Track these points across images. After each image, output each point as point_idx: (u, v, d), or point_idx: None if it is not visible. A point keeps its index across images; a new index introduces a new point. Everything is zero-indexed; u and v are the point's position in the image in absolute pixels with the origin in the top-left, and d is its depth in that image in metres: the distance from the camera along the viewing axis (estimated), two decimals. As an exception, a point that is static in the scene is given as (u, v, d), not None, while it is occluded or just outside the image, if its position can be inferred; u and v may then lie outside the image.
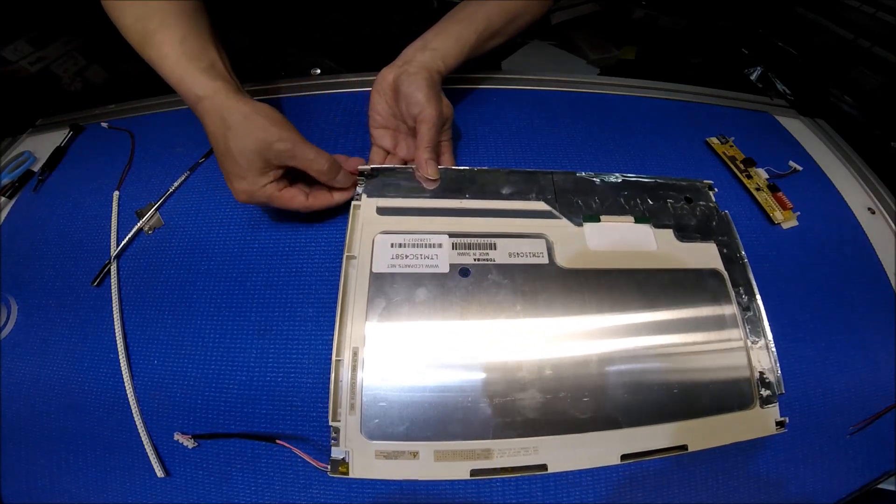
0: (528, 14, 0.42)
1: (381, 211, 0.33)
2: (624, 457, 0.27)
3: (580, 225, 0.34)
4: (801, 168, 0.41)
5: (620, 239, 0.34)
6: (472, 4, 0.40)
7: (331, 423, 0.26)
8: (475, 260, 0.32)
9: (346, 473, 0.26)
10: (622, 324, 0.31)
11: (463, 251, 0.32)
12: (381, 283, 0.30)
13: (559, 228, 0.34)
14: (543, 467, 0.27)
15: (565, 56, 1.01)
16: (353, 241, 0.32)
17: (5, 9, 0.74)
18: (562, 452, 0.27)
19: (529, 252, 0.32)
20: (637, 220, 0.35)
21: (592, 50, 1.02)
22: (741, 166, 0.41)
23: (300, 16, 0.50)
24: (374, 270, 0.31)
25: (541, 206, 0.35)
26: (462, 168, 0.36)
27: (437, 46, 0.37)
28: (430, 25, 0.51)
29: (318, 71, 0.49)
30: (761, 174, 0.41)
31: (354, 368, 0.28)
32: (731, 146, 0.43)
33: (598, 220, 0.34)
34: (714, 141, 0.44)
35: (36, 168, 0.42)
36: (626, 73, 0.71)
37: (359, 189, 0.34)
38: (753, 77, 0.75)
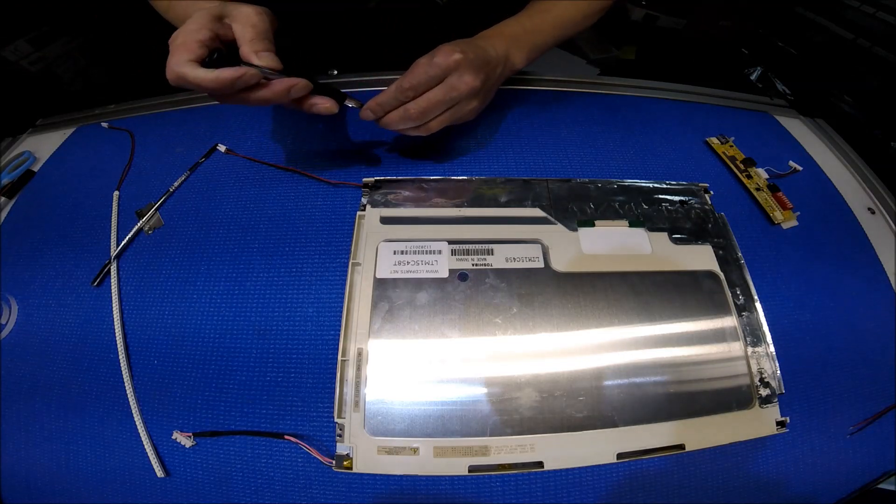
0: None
1: (385, 220, 0.35)
2: (620, 455, 0.28)
3: (575, 230, 0.35)
4: (801, 168, 0.41)
5: (615, 243, 0.34)
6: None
7: (336, 420, 0.28)
8: (473, 265, 0.33)
9: (350, 468, 0.27)
10: (617, 324, 0.31)
11: (461, 257, 0.33)
12: (385, 288, 0.32)
13: (554, 234, 0.34)
14: (539, 464, 0.27)
15: (565, 56, 1.01)
16: (358, 248, 0.33)
17: (5, 9, 0.74)
18: (558, 450, 0.28)
19: (525, 257, 0.33)
20: (631, 224, 0.35)
21: (592, 50, 1.02)
22: (741, 166, 0.41)
23: (304, 20, 0.50)
24: (378, 276, 0.32)
25: (536, 212, 0.36)
26: (460, 178, 0.37)
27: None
28: (436, 25, 0.51)
29: (336, 72, 0.49)
30: (761, 174, 0.41)
31: (359, 368, 0.29)
32: (731, 146, 0.43)
33: (593, 225, 0.35)
34: (714, 141, 0.44)
35: (36, 168, 0.42)
36: (626, 73, 0.71)
37: (363, 200, 0.36)
38: (753, 77, 0.75)
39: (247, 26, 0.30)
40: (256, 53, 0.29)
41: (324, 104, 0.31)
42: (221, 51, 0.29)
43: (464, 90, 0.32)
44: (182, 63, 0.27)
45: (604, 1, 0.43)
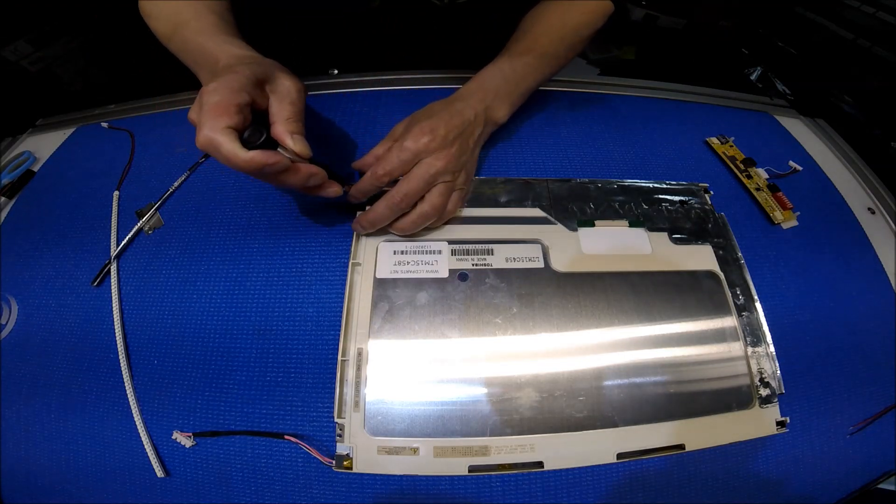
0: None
1: (385, 220, 0.34)
2: (620, 455, 0.28)
3: (575, 230, 0.35)
4: (801, 168, 0.41)
5: (615, 243, 0.34)
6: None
7: (336, 420, 0.28)
8: (473, 265, 0.33)
9: (350, 468, 0.27)
10: (617, 324, 0.31)
11: (461, 257, 0.33)
12: (385, 288, 0.32)
13: (554, 234, 0.34)
14: (539, 464, 0.27)
15: (565, 56, 1.01)
16: (359, 249, 0.33)
17: (5, 9, 0.74)
18: (558, 450, 0.28)
19: (525, 257, 0.33)
20: (631, 224, 0.35)
21: (592, 50, 1.02)
22: (741, 166, 0.41)
23: (307, 20, 0.50)
24: (378, 276, 0.32)
25: (536, 212, 0.36)
26: None
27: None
28: (437, 25, 0.51)
29: (336, 71, 0.49)
30: (761, 174, 0.41)
31: (359, 368, 0.29)
32: (731, 146, 0.43)
33: (593, 225, 0.35)
34: (714, 141, 0.44)
35: (36, 168, 0.42)
36: (626, 73, 0.71)
37: (364, 200, 0.35)
38: (753, 77, 0.75)
39: (285, 103, 0.29)
40: (291, 135, 0.28)
41: (333, 189, 0.31)
42: (260, 131, 0.27)
43: (440, 167, 0.31)
44: (218, 129, 0.25)
45: (587, 31, 0.42)
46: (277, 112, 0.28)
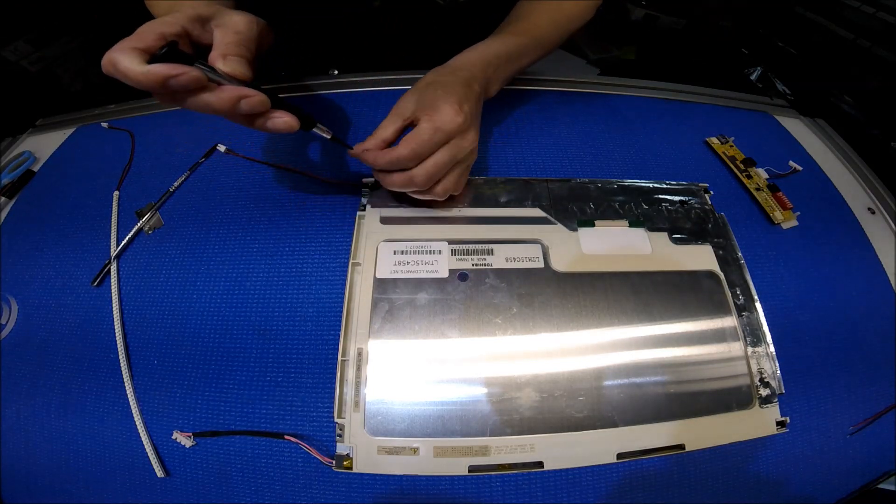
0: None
1: (384, 220, 0.35)
2: (620, 455, 0.28)
3: (575, 230, 0.35)
4: (801, 168, 0.41)
5: (615, 243, 0.34)
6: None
7: (336, 420, 0.28)
8: (473, 265, 0.33)
9: (350, 468, 0.27)
10: (617, 324, 0.31)
11: (462, 257, 0.33)
12: (385, 288, 0.32)
13: (554, 234, 0.34)
14: (540, 464, 0.27)
15: (565, 56, 1.01)
16: (358, 248, 0.33)
17: (5, 9, 0.74)
18: (558, 450, 0.28)
19: (525, 257, 0.33)
20: (631, 224, 0.35)
21: (592, 50, 1.02)
22: (741, 166, 0.41)
23: (307, 20, 0.50)
24: (378, 276, 0.32)
25: (536, 212, 0.36)
26: None
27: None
28: (437, 25, 0.51)
29: (336, 71, 0.49)
30: (761, 174, 0.41)
31: (359, 368, 0.29)
32: (731, 146, 0.43)
33: (593, 225, 0.35)
34: (714, 141, 0.44)
35: (36, 168, 0.42)
36: (626, 73, 0.71)
37: (363, 200, 0.36)
38: (753, 77, 0.75)
39: (229, 32, 0.27)
40: (224, 57, 0.25)
41: (282, 118, 0.27)
42: (175, 45, 0.24)
43: (466, 147, 0.30)
44: (122, 49, 0.23)
45: (578, 22, 0.43)
46: (218, 41, 0.26)
